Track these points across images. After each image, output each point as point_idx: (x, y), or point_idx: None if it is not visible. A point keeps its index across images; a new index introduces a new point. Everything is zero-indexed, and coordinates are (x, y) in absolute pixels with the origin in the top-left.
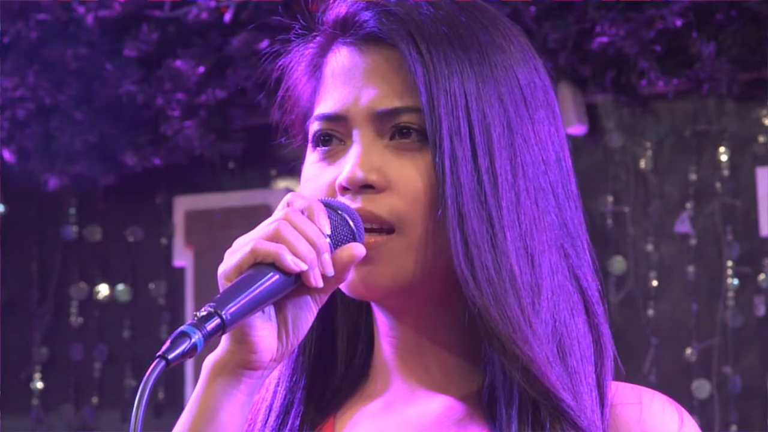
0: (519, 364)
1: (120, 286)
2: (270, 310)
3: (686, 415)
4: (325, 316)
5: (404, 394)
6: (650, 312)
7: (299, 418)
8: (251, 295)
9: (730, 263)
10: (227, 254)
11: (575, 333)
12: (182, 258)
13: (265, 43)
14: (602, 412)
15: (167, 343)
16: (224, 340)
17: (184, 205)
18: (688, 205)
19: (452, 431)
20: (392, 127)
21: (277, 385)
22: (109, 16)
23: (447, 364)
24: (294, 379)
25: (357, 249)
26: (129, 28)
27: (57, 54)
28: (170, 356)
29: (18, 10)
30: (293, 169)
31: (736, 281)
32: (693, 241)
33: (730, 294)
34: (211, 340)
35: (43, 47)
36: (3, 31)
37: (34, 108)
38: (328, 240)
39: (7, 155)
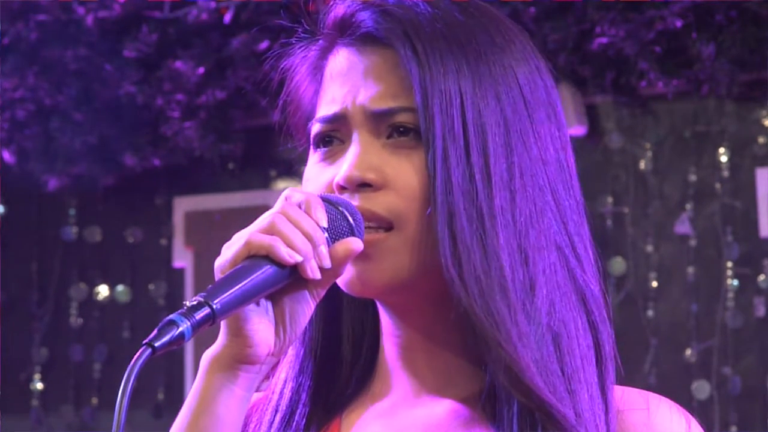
0: (502, 364)
1: (120, 287)
2: (267, 304)
3: (693, 421)
4: (330, 317)
5: (410, 394)
6: (650, 313)
7: (305, 419)
8: (243, 286)
9: (729, 264)
10: (224, 248)
11: (574, 333)
12: (182, 259)
13: (265, 44)
14: (607, 416)
15: (155, 331)
16: (221, 334)
17: (183, 205)
18: (688, 205)
19: None
20: (389, 126)
21: (284, 386)
22: (108, 16)
23: (450, 363)
24: (300, 380)
25: (354, 243)
26: (129, 29)
27: (57, 55)
28: (157, 344)
29: (18, 11)
30: (293, 170)
31: (735, 282)
32: (693, 242)
33: (730, 295)
34: (200, 329)
35: (42, 48)
36: (3, 32)
37: (33, 109)
38: (325, 234)
39: (7, 156)
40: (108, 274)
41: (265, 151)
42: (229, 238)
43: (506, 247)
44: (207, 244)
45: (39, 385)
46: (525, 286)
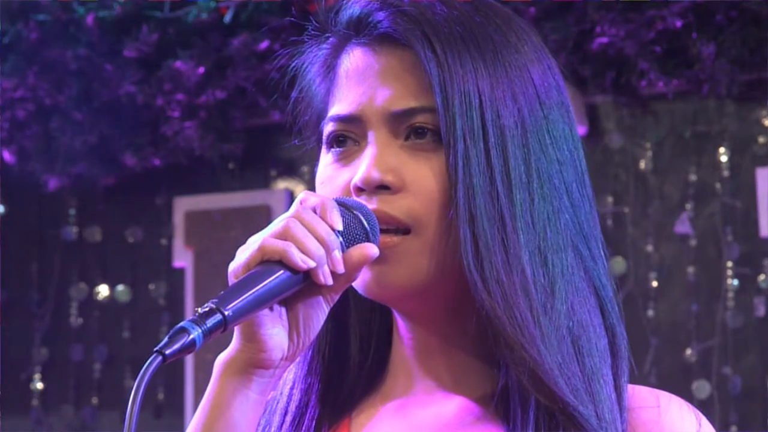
0: (526, 367)
1: (120, 287)
2: (280, 309)
3: (704, 419)
4: (338, 317)
5: (420, 395)
6: (650, 312)
7: (315, 421)
8: (255, 293)
9: (730, 264)
10: (238, 252)
11: (593, 334)
12: (182, 259)
13: (265, 44)
14: (621, 416)
15: (165, 339)
16: (235, 339)
17: (184, 205)
18: (688, 205)
19: None
20: (407, 128)
21: (292, 387)
22: (108, 16)
23: (463, 366)
24: (309, 381)
25: (370, 249)
26: (129, 29)
27: (57, 55)
28: (167, 351)
29: (18, 11)
30: (293, 170)
31: (736, 282)
32: (693, 242)
33: (730, 294)
34: (211, 336)
35: (42, 48)
36: (3, 32)
37: (34, 108)
38: (339, 238)
39: (7, 156)
40: (108, 274)
41: (265, 151)
42: (230, 238)
43: (527, 250)
44: (207, 244)
45: (39, 385)
46: (546, 289)
